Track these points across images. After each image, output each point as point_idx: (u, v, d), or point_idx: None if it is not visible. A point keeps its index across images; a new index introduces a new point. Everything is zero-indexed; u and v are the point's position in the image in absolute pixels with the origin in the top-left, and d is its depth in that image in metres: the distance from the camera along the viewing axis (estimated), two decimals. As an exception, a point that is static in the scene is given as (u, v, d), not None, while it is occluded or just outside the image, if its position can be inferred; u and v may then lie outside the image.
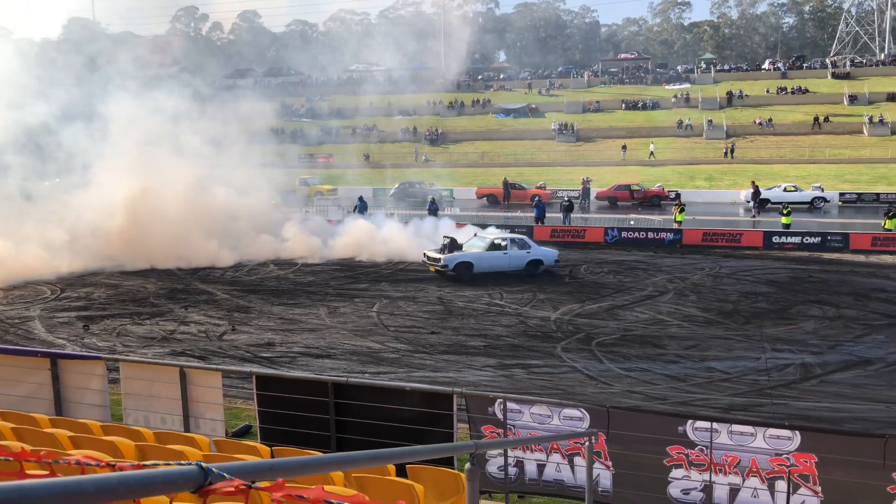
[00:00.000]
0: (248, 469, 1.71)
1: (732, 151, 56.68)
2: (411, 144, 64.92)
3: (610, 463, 7.26)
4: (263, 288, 21.77)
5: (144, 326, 17.21)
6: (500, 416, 7.67)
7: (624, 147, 58.95)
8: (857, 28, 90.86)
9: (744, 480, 6.79)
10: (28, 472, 3.71)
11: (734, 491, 6.83)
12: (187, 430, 8.32)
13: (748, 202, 38.61)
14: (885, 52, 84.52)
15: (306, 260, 25.80)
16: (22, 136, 26.94)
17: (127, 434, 6.81)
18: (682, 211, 32.23)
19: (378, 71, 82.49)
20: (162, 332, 16.61)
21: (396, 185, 46.08)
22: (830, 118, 60.64)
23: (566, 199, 34.68)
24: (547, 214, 32.87)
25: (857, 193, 44.40)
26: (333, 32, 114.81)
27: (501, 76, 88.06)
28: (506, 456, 7.62)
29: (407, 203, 42.12)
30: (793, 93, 67.73)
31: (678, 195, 41.44)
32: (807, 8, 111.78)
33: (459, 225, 28.00)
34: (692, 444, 6.94)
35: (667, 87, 74.85)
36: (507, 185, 44.60)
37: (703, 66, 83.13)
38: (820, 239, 28.10)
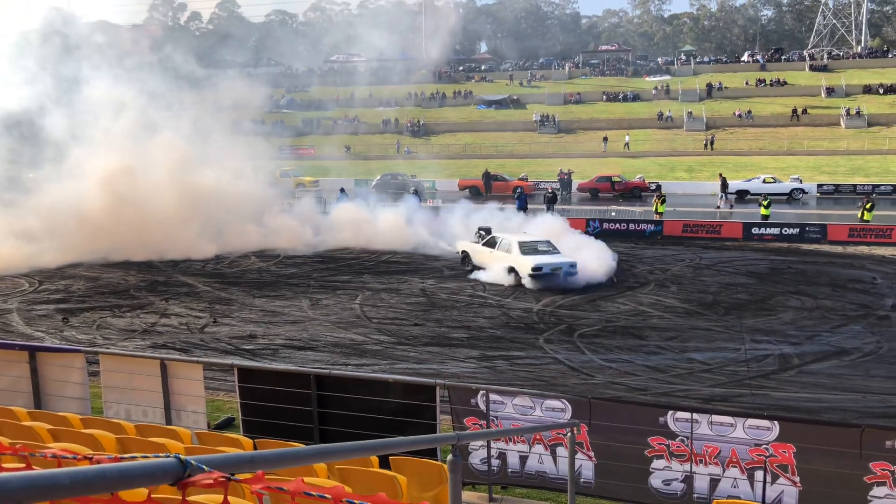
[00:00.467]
0: (227, 461, 1.69)
1: (712, 143, 57.09)
2: (393, 136, 64.69)
3: (592, 454, 7.30)
4: (245, 280, 21.66)
5: (125, 319, 17.06)
6: (482, 407, 7.68)
7: (605, 138, 59.14)
8: (835, 21, 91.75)
9: (724, 471, 6.85)
10: (4, 465, 3.67)
11: (714, 481, 6.89)
12: (169, 422, 8.27)
13: (719, 195, 38.58)
14: (862, 44, 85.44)
15: (287, 252, 25.63)
16: None
17: (107, 427, 6.75)
18: (663, 202, 32.36)
19: (359, 62, 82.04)
20: (143, 325, 16.48)
21: (378, 177, 45.89)
22: (808, 110, 61.28)
23: (549, 190, 34.72)
24: (529, 206, 32.90)
25: (834, 185, 44.87)
26: (314, 22, 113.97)
27: (483, 67, 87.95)
28: (488, 447, 7.64)
29: (389, 195, 41.93)
30: (771, 85, 68.35)
31: (659, 186, 41.62)
32: (785, 0, 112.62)
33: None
34: (673, 435, 6.99)
35: (647, 78, 75.21)
36: (489, 177, 44.52)
37: (683, 58, 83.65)
38: (798, 230, 28.34)
